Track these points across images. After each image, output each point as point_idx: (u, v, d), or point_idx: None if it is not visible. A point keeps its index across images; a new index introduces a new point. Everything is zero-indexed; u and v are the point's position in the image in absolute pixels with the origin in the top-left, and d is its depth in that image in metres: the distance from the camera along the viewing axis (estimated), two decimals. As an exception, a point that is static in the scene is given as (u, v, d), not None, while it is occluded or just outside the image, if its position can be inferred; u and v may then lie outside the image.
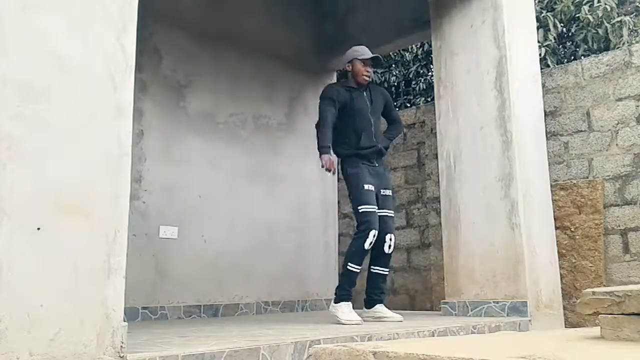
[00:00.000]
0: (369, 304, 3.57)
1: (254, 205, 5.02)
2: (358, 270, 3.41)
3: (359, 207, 3.44)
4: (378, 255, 3.56)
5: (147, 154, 4.36)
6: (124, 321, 1.79)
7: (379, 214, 3.52)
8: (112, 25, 1.89)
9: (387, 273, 3.60)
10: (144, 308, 4.12)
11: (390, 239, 3.54)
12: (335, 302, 3.38)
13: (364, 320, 3.42)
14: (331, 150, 3.54)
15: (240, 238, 4.86)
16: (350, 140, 3.61)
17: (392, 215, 3.65)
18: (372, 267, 3.59)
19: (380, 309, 3.52)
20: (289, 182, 5.32)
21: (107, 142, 1.83)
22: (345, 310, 3.31)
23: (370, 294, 3.58)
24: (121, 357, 1.74)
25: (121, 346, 1.75)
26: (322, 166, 3.47)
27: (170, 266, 4.37)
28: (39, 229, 1.64)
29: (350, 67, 3.67)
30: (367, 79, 3.64)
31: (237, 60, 5.08)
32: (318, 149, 3.51)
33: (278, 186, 5.20)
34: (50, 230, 1.66)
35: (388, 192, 3.66)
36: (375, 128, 3.66)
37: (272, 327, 3.13)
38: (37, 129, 1.68)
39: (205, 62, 4.84)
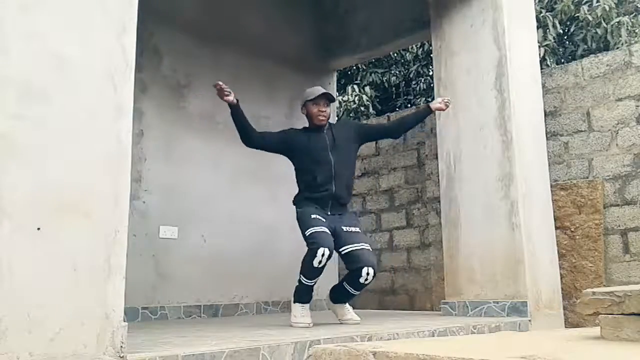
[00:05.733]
0: (333, 300, 3.47)
1: (254, 205, 5.01)
2: (311, 284, 3.25)
3: (306, 232, 3.23)
4: (353, 280, 3.29)
5: (147, 154, 4.36)
6: (124, 321, 1.79)
7: (349, 249, 3.29)
8: (112, 25, 1.89)
9: (356, 294, 3.38)
10: (144, 308, 4.12)
11: (368, 273, 3.21)
12: (293, 302, 3.34)
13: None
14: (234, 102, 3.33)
15: (240, 238, 4.86)
16: (305, 182, 3.44)
17: (367, 247, 3.32)
18: (344, 282, 3.35)
19: (335, 307, 3.45)
20: (289, 182, 5.27)
21: (107, 142, 1.83)
22: (297, 312, 3.27)
23: (335, 294, 3.45)
24: (121, 357, 1.74)
25: (121, 346, 1.75)
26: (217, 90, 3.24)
27: (170, 266, 4.37)
28: (39, 229, 1.64)
29: (305, 111, 3.52)
30: (322, 119, 3.45)
31: (237, 60, 5.07)
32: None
33: (278, 186, 5.19)
34: (50, 230, 1.66)
35: (354, 229, 3.38)
36: (336, 169, 3.37)
37: (272, 327, 3.13)
38: (37, 129, 1.68)
39: (205, 62, 4.84)
